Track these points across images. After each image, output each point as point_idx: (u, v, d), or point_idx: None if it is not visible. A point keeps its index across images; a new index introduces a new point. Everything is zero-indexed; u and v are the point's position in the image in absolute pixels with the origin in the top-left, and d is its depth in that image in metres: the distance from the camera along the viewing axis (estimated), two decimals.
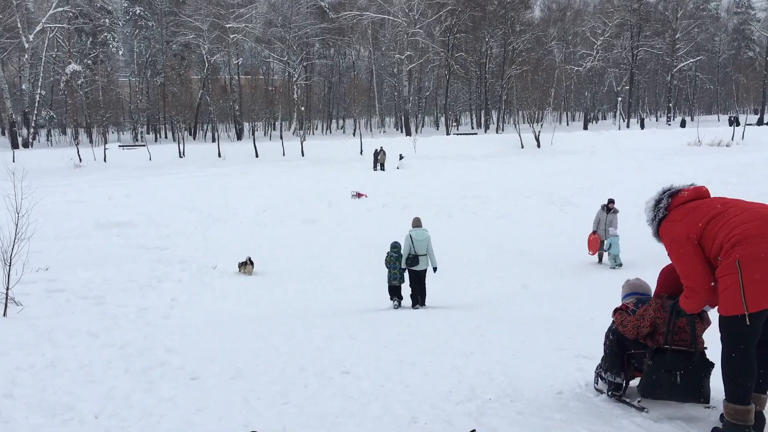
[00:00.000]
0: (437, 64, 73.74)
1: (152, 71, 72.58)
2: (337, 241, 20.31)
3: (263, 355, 6.37)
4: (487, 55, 72.79)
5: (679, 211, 4.26)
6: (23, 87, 64.18)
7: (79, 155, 49.02)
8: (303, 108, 72.01)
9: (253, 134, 60.43)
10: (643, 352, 4.71)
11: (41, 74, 64.19)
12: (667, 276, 4.92)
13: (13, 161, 47.99)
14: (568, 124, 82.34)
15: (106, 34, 66.57)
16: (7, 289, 10.84)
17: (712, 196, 4.40)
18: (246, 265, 15.96)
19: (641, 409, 4.46)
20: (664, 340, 4.37)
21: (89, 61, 66.29)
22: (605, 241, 16.10)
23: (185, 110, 66.71)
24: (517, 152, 49.89)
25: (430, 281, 12.81)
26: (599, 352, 5.75)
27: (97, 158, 49.38)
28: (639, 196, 26.06)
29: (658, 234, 4.40)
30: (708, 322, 4.47)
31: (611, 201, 16.73)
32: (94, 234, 20.58)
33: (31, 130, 64.80)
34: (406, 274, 12.51)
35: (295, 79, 71.64)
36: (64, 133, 74.70)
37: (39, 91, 64.14)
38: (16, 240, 11.44)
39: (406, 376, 5.40)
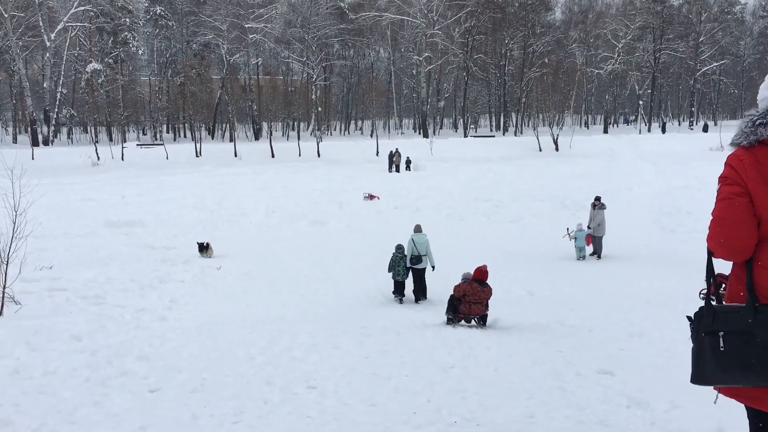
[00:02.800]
0: (456, 65, 73.36)
1: (172, 71, 72.98)
2: (344, 244, 20.13)
3: (236, 365, 6.16)
4: (506, 57, 72.30)
5: (761, 152, 2.88)
6: (45, 85, 64.83)
7: (97, 153, 49.34)
8: (321, 109, 71.99)
9: (270, 134, 60.47)
10: (460, 300, 9.76)
11: (62, 73, 64.80)
12: (476, 271, 10.22)
13: (32, 159, 48.49)
14: (588, 128, 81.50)
15: (126, 33, 66.98)
16: (3, 288, 10.76)
17: None
18: (207, 249, 17.05)
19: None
20: (707, 291, 3.10)
21: (110, 60, 66.80)
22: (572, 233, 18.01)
23: (204, 110, 67.01)
24: (534, 155, 49.37)
25: (438, 283, 13.74)
26: (588, 370, 5.50)
27: (115, 157, 49.65)
28: (656, 200, 25.69)
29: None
30: None
31: (597, 198, 18.20)
32: (103, 233, 20.60)
33: (52, 128, 65.40)
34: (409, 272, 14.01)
35: (314, 79, 71.63)
36: (85, 131, 75.38)
37: (60, 90, 64.72)
38: (14, 238, 11.38)
39: (375, 392, 5.14)
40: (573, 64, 77.07)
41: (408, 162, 41.55)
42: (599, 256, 17.44)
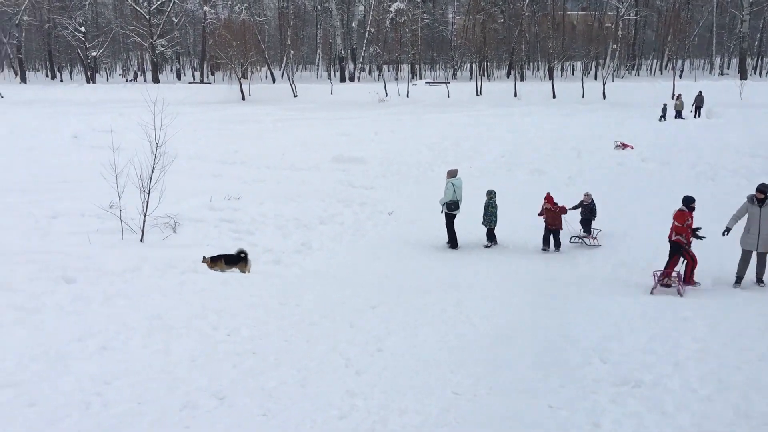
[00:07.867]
0: None
1: (476, 9, 72.98)
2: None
3: None
4: None
5: None
6: (353, 24, 69.70)
7: (385, 90, 52.04)
8: (616, 46, 66.09)
9: (561, 73, 57.54)
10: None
11: (371, 12, 68.85)
12: None
13: (331, 94, 53.00)
14: None
15: None
16: (145, 215, 11.80)
17: None
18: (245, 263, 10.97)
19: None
20: None
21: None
22: None
23: (502, 47, 66.36)
24: None
25: None
26: None
27: (401, 93, 51.81)
28: None
29: None
30: None
31: None
32: (325, 167, 21.44)
33: (359, 65, 70.32)
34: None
35: (621, 14, 65.83)
36: (388, 69, 79.67)
37: (368, 29, 69.06)
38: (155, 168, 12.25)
39: None
40: None
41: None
42: None
